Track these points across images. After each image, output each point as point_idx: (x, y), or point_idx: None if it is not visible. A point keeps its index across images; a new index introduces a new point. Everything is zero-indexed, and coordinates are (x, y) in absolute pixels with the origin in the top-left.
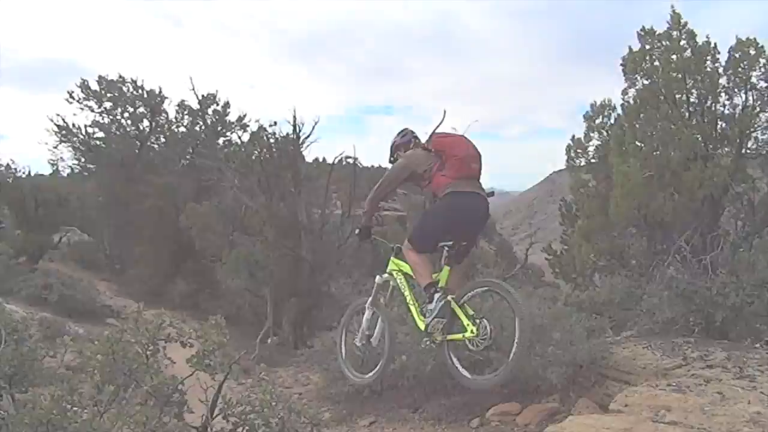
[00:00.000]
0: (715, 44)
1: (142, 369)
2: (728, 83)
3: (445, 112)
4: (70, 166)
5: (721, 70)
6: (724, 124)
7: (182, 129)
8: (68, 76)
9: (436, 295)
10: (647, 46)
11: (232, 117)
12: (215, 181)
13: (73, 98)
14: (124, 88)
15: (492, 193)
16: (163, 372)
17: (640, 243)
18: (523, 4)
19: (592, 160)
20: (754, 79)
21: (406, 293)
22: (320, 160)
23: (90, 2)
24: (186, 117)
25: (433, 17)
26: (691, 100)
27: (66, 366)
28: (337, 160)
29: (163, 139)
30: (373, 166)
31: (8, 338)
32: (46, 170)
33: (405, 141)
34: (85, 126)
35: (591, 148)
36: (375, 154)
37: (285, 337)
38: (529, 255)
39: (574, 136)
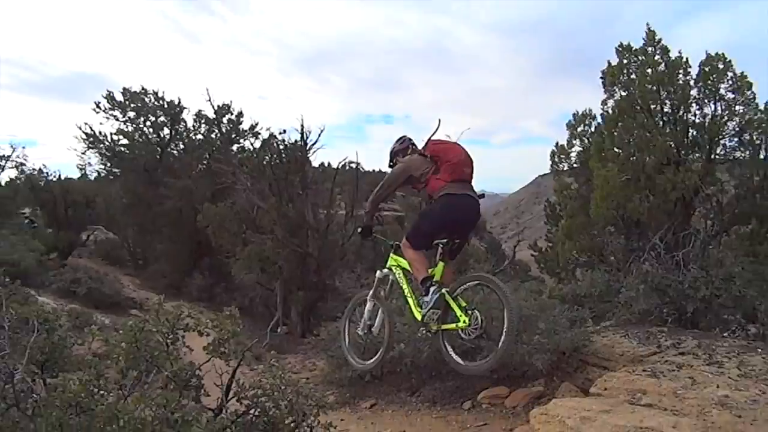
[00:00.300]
0: (686, 59)
1: (162, 356)
2: (699, 94)
3: (439, 121)
4: (96, 171)
5: (692, 82)
6: (694, 132)
7: (199, 136)
8: (95, 88)
9: (432, 288)
10: (625, 61)
11: (245, 125)
12: (230, 184)
13: (100, 108)
14: (147, 99)
15: (483, 195)
16: (182, 359)
17: (618, 241)
18: (511, 22)
19: (574, 165)
20: (722, 91)
21: (404, 286)
22: (325, 165)
23: (115, 21)
24: (203, 125)
25: (428, 34)
26: (665, 110)
27: (93, 353)
28: (340, 165)
29: (182, 146)
30: (373, 171)
31: (40, 328)
32: (75, 174)
33: (403, 147)
34: (111, 134)
35: (573, 154)
36: (375, 159)
37: (293, 326)
38: (516, 251)
39: (557, 143)
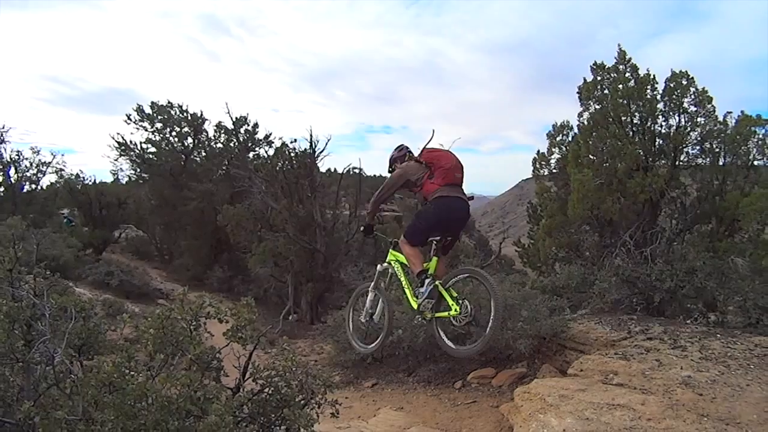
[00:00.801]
0: (654, 76)
1: (186, 341)
2: (664, 108)
3: (433, 131)
4: (128, 175)
5: (658, 96)
6: (661, 141)
7: (219, 145)
8: (126, 102)
9: (427, 281)
10: (598, 78)
11: (260, 135)
12: (246, 187)
13: (131, 120)
14: (172, 112)
15: (472, 197)
16: (204, 343)
17: (592, 238)
18: (498, 43)
19: (554, 170)
20: (685, 104)
21: (402, 279)
22: (332, 170)
23: (144, 42)
24: (222, 135)
25: (423, 54)
26: (635, 121)
27: (125, 338)
28: (345, 170)
29: (203, 154)
30: (374, 175)
31: (77, 315)
32: (109, 178)
33: (401, 154)
34: (140, 143)
35: (553, 161)
36: (376, 165)
37: (303, 314)
38: (502, 248)
39: (539, 151)
